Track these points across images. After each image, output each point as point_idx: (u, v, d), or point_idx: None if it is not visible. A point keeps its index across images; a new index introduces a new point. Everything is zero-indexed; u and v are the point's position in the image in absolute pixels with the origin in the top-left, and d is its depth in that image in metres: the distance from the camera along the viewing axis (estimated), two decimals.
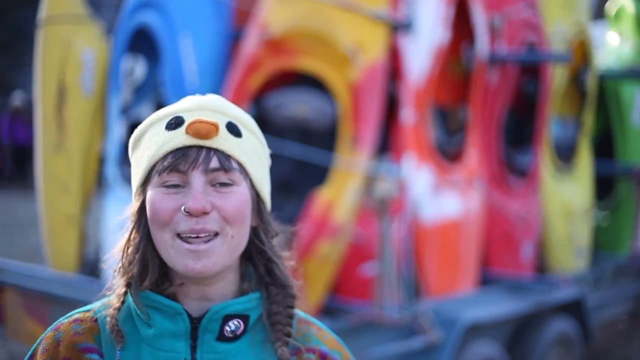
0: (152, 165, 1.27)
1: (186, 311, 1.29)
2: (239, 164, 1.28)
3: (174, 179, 1.25)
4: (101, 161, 5.13)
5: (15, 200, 13.45)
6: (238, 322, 1.30)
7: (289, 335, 1.33)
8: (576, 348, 5.36)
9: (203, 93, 1.40)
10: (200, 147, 1.25)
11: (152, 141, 1.28)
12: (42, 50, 5.12)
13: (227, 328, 1.29)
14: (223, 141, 1.27)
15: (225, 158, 1.26)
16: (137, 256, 1.29)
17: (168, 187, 1.25)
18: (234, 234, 1.27)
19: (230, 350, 1.30)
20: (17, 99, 14.94)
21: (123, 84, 5.05)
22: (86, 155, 5.06)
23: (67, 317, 1.34)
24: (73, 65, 5.02)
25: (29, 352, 1.33)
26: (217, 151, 1.26)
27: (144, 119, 1.36)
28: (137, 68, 5.35)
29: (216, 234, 1.25)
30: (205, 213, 1.23)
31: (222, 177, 1.26)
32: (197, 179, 1.24)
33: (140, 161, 1.30)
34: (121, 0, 5.44)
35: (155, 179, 1.26)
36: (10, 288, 4.81)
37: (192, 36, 4.64)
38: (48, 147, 5.08)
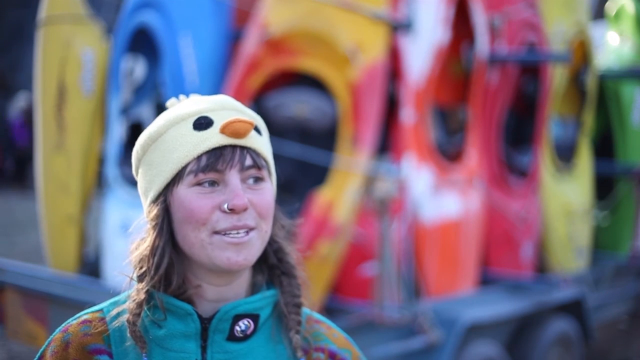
0: (183, 166, 1.27)
1: (196, 312, 1.29)
2: (266, 161, 1.32)
3: (210, 178, 1.26)
4: (101, 161, 5.13)
5: (15, 200, 13.46)
6: (248, 322, 1.31)
7: (300, 323, 1.35)
8: (576, 348, 5.36)
9: (203, 93, 1.40)
10: (234, 146, 1.27)
11: (178, 142, 1.28)
12: (42, 50, 5.12)
13: (237, 328, 1.30)
14: (253, 140, 1.30)
15: (256, 156, 1.29)
16: (164, 261, 1.28)
17: (203, 186, 1.26)
18: (267, 229, 1.31)
19: (241, 350, 1.31)
20: (22, 99, 14.92)
21: (123, 84, 5.05)
22: (86, 155, 5.06)
23: (75, 318, 1.34)
24: (73, 65, 5.02)
25: (38, 354, 1.33)
26: (249, 149, 1.29)
27: (144, 119, 1.36)
28: (137, 68, 5.35)
29: (252, 229, 1.28)
30: (246, 209, 1.26)
31: (255, 174, 1.29)
32: (234, 177, 1.26)
33: (162, 163, 1.29)
34: (121, 0, 5.44)
35: (188, 179, 1.26)
36: (10, 288, 4.81)
37: (192, 36, 4.64)
38: (48, 147, 5.08)
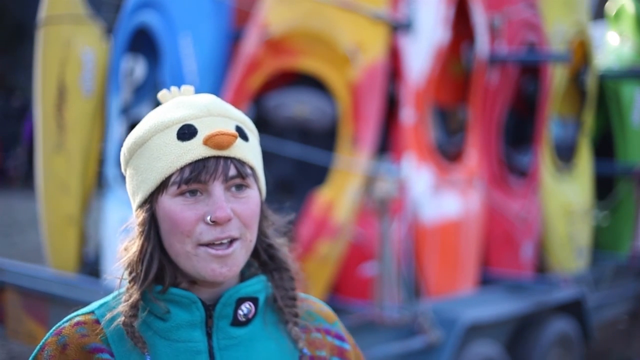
0: (166, 176, 1.27)
1: (200, 300, 1.31)
2: (251, 168, 1.31)
3: (193, 188, 1.27)
4: (101, 161, 5.13)
5: (15, 200, 13.46)
6: (249, 305, 1.33)
7: (297, 315, 1.38)
8: (576, 348, 5.36)
9: (203, 93, 1.39)
10: (217, 157, 1.27)
11: (162, 151, 1.28)
12: (42, 50, 5.12)
13: (240, 312, 1.32)
14: (238, 149, 1.29)
15: (241, 165, 1.29)
16: (153, 266, 1.29)
17: (186, 196, 1.27)
18: (251, 238, 1.31)
19: (245, 335, 1.33)
20: None
21: (123, 84, 5.05)
22: (86, 155, 5.06)
23: (67, 321, 1.32)
24: (73, 65, 5.02)
25: (31, 358, 1.31)
26: (233, 159, 1.28)
27: None
28: (137, 68, 5.34)
29: (235, 239, 1.28)
30: (229, 220, 1.26)
31: (239, 183, 1.29)
32: (218, 188, 1.26)
33: (146, 170, 1.29)
34: (121, 0, 5.44)
35: (171, 189, 1.27)
36: (10, 288, 4.81)
37: (192, 36, 4.64)
38: (48, 147, 5.08)
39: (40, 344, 1.31)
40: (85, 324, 1.30)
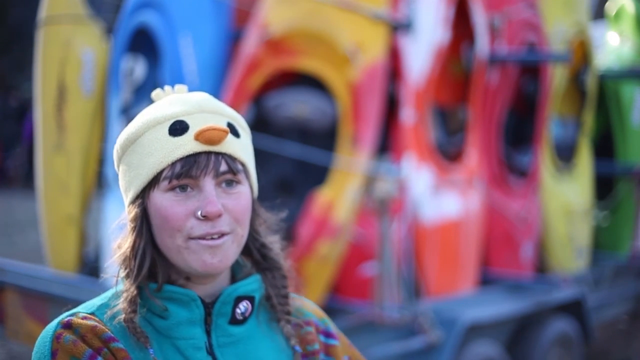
0: (158, 172, 1.28)
1: (200, 297, 1.31)
2: (243, 164, 1.32)
3: (184, 183, 1.28)
4: (101, 161, 5.13)
5: (15, 200, 13.46)
6: (247, 304, 1.35)
7: (289, 313, 1.40)
8: (576, 348, 5.36)
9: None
10: (208, 153, 1.28)
11: (154, 147, 1.29)
12: (42, 50, 5.12)
13: (238, 310, 1.33)
14: (229, 145, 1.30)
15: (232, 161, 1.30)
16: (146, 261, 1.30)
17: (177, 192, 1.28)
18: (242, 233, 1.32)
19: (243, 333, 1.34)
20: None
21: (123, 84, 5.05)
22: (86, 155, 5.06)
23: (71, 315, 1.29)
24: (73, 65, 5.02)
25: (48, 350, 1.24)
26: (224, 155, 1.29)
27: None
28: (137, 68, 5.34)
29: (226, 234, 1.29)
30: (220, 215, 1.27)
31: (230, 179, 1.30)
32: (209, 183, 1.27)
33: (138, 166, 1.30)
34: (121, 0, 5.45)
35: (163, 184, 1.28)
36: (10, 288, 4.81)
37: (192, 36, 4.64)
38: (48, 147, 5.08)
39: (50, 335, 1.25)
40: (92, 319, 1.30)
